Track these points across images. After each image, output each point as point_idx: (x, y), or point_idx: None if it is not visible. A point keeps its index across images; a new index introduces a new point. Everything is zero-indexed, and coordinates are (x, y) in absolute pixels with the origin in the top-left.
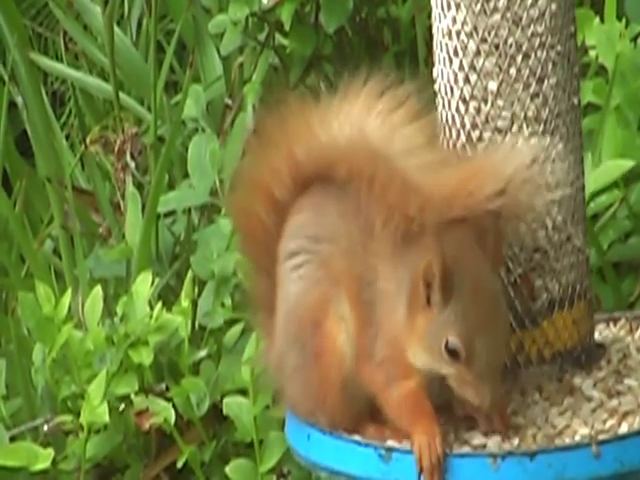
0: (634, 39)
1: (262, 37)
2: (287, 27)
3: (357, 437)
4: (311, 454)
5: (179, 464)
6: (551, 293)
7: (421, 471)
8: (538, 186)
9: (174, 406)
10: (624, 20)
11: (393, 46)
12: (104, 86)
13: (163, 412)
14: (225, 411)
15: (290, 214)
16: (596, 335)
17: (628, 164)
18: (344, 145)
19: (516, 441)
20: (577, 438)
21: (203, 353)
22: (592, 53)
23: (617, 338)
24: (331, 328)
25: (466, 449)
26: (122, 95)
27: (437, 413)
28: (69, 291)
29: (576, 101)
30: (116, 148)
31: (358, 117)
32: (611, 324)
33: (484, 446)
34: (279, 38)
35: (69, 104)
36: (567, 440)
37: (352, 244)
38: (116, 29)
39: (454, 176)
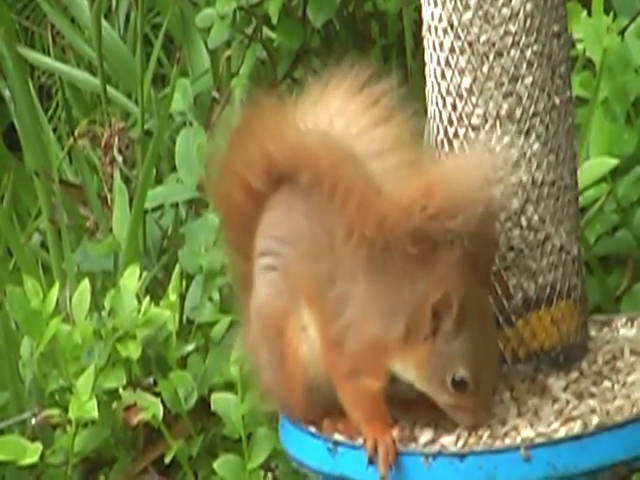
0: (621, 33)
1: (249, 31)
2: (274, 21)
3: (312, 429)
4: (285, 443)
5: (167, 459)
6: (526, 292)
7: (371, 464)
8: (499, 194)
9: (162, 400)
10: (612, 14)
11: (380, 39)
12: (91, 80)
13: (151, 408)
14: (213, 407)
15: (265, 209)
16: (632, 333)
17: (613, 162)
18: (310, 149)
19: (461, 441)
20: (518, 440)
21: (191, 347)
22: (579, 47)
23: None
24: (292, 338)
25: (412, 446)
26: (109, 89)
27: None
28: (57, 285)
29: (558, 100)
30: (103, 142)
31: (329, 118)
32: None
33: (433, 442)
34: (267, 32)
35: (56, 98)
36: (508, 442)
37: (316, 245)
38: (103, 23)
39: (410, 187)
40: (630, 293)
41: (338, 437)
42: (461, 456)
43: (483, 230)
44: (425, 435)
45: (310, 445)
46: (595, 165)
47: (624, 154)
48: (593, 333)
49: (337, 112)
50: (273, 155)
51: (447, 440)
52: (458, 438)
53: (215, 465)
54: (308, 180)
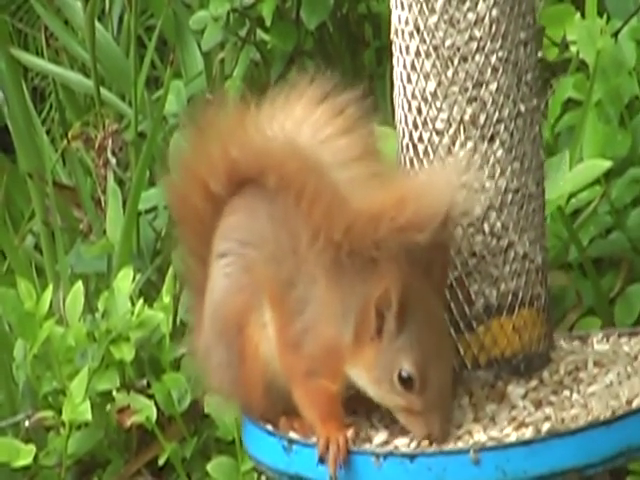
0: (615, 35)
1: (243, 33)
2: (268, 23)
3: (269, 427)
4: (245, 441)
5: (160, 461)
6: (488, 299)
7: (321, 462)
8: (467, 206)
9: (155, 402)
10: (605, 16)
11: (374, 42)
12: (85, 81)
13: (145, 410)
14: (207, 409)
15: (225, 213)
16: (604, 348)
17: (606, 164)
18: (276, 154)
19: (415, 443)
20: (469, 443)
21: (184, 349)
22: (573, 49)
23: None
24: (252, 335)
25: (366, 446)
26: (103, 91)
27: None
28: (50, 287)
29: (523, 108)
30: (97, 144)
31: (294, 125)
32: (632, 339)
33: (387, 443)
34: (260, 34)
35: (50, 99)
36: (460, 445)
37: (279, 248)
38: (97, 25)
39: (381, 197)
40: (624, 295)
41: (293, 435)
42: (411, 457)
43: (439, 236)
44: (380, 436)
45: (266, 443)
46: (589, 167)
47: (618, 156)
48: (563, 345)
49: (301, 120)
50: (236, 159)
51: (401, 442)
52: (412, 440)
53: (208, 467)
54: (274, 184)
